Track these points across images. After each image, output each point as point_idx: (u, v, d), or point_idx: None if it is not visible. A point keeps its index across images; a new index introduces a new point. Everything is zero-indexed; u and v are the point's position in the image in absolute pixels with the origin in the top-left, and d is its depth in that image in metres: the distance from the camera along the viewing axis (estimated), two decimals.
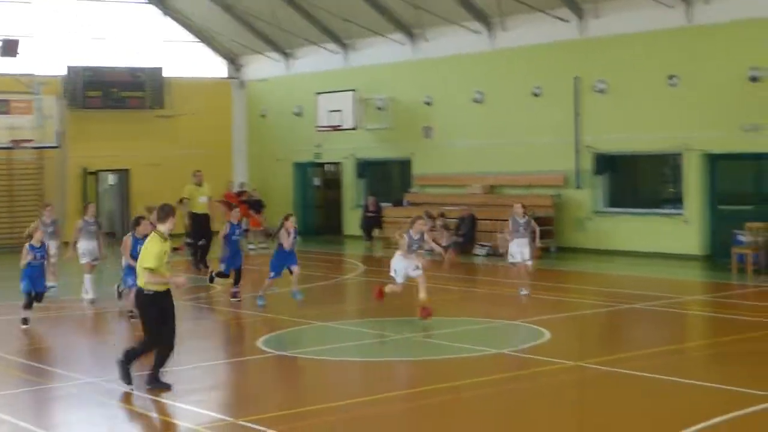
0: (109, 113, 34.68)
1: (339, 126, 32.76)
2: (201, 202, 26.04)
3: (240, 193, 32.75)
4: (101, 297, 19.60)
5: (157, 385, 11.89)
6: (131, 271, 15.67)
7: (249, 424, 10.40)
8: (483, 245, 28.29)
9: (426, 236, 17.20)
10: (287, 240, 18.28)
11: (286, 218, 18.63)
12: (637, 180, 28.70)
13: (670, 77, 25.68)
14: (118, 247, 18.93)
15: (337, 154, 34.61)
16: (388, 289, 17.21)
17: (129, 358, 12.01)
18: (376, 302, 17.29)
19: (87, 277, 19.51)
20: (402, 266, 16.85)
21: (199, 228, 25.25)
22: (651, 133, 26.22)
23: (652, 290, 20.45)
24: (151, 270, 11.65)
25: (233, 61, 38.19)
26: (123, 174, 35.41)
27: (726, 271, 23.11)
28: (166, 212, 12.03)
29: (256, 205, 31.66)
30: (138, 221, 16.72)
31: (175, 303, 12.13)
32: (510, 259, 20.07)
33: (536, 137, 28.57)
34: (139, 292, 11.96)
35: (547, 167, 28.36)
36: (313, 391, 12.55)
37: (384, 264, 27.98)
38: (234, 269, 19.52)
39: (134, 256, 15.38)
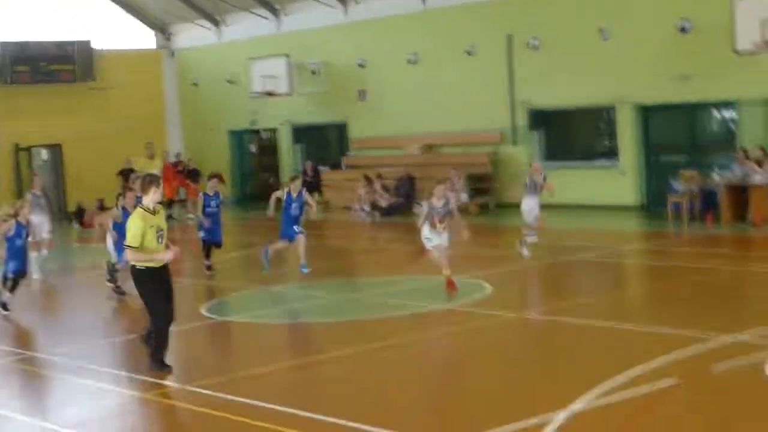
0: (39, 88, 34.05)
1: (273, 92, 32.58)
2: None
3: (176, 164, 32.53)
4: (53, 273, 19.44)
5: (160, 367, 11.16)
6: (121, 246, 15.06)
7: (196, 389, 10.39)
8: (423, 204, 28.38)
9: (452, 201, 15.93)
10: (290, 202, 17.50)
11: (292, 179, 17.99)
12: (572, 134, 28.94)
13: (601, 31, 25.87)
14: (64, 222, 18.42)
15: (273, 120, 34.41)
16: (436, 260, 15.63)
17: (154, 346, 11.22)
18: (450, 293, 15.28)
19: (36, 255, 18.79)
20: (431, 235, 15.54)
21: None
22: (584, 86, 26.41)
23: (591, 241, 20.69)
24: (132, 248, 10.85)
25: (163, 30, 37.72)
26: (56, 149, 34.90)
27: (662, 220, 23.45)
28: (147, 182, 11.08)
29: (193, 175, 31.49)
30: (124, 192, 16.26)
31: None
32: (528, 218, 18.76)
33: (471, 96, 28.64)
34: (133, 268, 11.14)
35: (483, 125, 28.48)
36: (257, 355, 12.52)
37: (324, 227, 28.09)
38: (213, 243, 18.47)
39: (118, 228, 15.21)
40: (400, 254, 21.31)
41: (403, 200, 28.49)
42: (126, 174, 32.23)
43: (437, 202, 15.52)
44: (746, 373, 9.85)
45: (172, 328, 11.38)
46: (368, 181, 29.09)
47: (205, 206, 18.41)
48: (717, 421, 8.59)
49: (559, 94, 26.99)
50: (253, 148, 36.77)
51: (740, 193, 22.56)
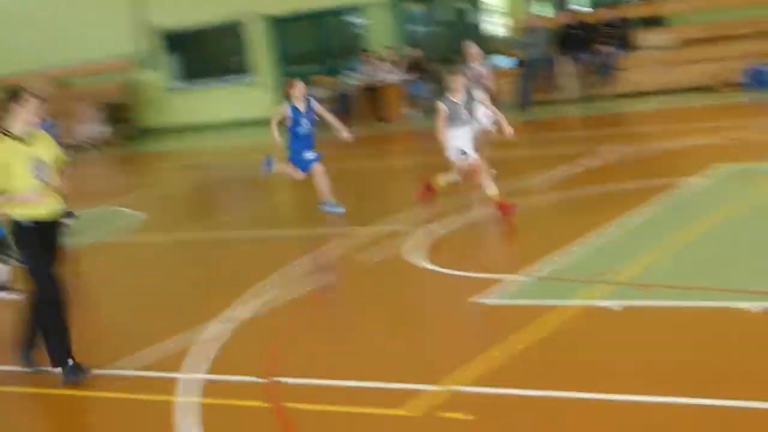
0: None
1: None
2: None
3: None
4: None
5: (69, 372, 7.60)
6: None
7: None
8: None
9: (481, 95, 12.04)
10: (291, 117, 13.03)
11: (291, 85, 13.26)
12: (207, 53, 28.73)
13: None
14: None
15: None
16: (443, 181, 12.08)
17: (48, 338, 7.73)
18: (425, 201, 12.36)
19: None
20: (461, 142, 11.64)
21: None
22: (212, 4, 26.24)
23: (237, 157, 20.77)
24: None
25: None
26: None
27: None
28: (3, 102, 7.71)
29: None
30: None
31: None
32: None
33: (98, 23, 27.73)
34: (10, 224, 7.72)
35: (115, 52, 27.71)
36: None
37: None
38: None
39: None
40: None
41: None
42: None
43: (458, 97, 11.72)
44: (385, 258, 10.29)
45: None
46: None
47: None
48: (364, 300, 8.97)
49: (188, 14, 26.70)
50: None
51: (371, 93, 23.39)
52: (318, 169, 13.04)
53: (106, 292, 11.08)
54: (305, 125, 13.08)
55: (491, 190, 11.37)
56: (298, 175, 13.31)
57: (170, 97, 27.23)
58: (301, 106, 13.07)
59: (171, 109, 27.49)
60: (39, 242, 7.58)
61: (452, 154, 11.67)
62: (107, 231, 14.41)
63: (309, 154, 13.13)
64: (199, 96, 27.22)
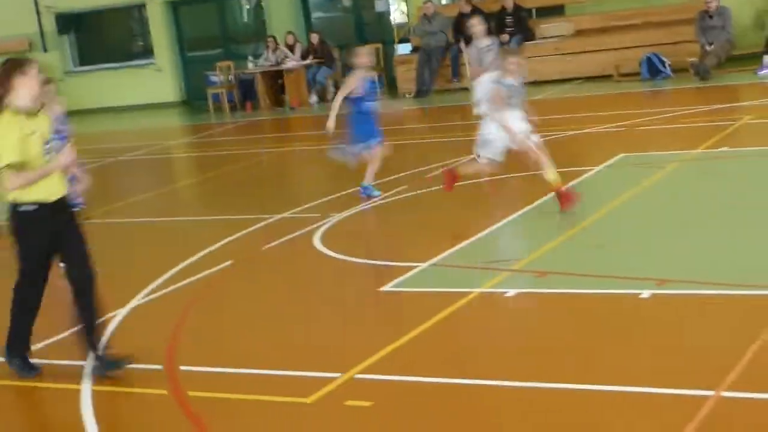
0: None
1: None
2: None
3: None
4: None
5: (106, 366, 7.00)
6: None
7: None
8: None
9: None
10: (361, 88, 11.41)
11: (357, 54, 11.70)
12: (105, 36, 28.32)
13: None
14: None
15: None
16: (471, 169, 10.98)
17: (12, 340, 7.22)
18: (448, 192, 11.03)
19: None
20: (502, 139, 10.45)
21: None
22: None
23: (136, 141, 20.52)
24: (12, 168, 6.66)
25: None
26: None
27: (204, 112, 23.77)
28: (8, 71, 6.75)
29: None
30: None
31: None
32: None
33: None
34: (12, 211, 6.87)
35: (9, 32, 27.10)
36: None
37: None
38: None
39: None
40: None
41: None
42: None
43: (513, 79, 10.36)
44: (292, 246, 10.31)
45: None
46: None
47: None
48: (270, 287, 8.99)
49: None
50: None
51: (275, 78, 23.33)
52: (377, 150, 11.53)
53: None
54: (371, 101, 11.49)
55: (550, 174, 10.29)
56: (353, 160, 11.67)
57: (69, 80, 26.74)
58: (370, 79, 11.47)
59: (70, 92, 27.00)
60: (41, 234, 6.85)
61: (480, 150, 10.55)
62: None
63: (370, 137, 11.47)
64: (99, 79, 26.82)
